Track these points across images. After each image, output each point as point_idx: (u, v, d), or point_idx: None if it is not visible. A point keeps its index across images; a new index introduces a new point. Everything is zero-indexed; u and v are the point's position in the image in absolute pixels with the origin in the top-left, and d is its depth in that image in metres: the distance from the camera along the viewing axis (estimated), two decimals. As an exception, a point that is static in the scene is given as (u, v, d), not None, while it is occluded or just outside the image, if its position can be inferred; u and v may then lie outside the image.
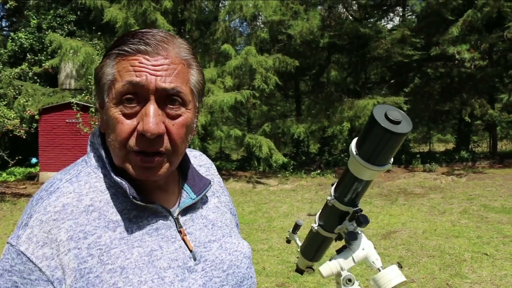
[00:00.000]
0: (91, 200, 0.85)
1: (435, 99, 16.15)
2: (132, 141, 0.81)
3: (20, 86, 13.61)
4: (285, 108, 22.74)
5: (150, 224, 0.88)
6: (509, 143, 22.47)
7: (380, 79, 19.52)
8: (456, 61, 14.91)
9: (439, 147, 22.03)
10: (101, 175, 0.89)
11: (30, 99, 13.21)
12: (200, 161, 1.11)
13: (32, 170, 15.89)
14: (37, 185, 13.49)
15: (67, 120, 13.57)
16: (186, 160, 1.00)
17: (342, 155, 16.53)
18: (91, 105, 11.80)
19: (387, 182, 11.55)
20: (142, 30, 0.85)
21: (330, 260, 1.13)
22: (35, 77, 16.67)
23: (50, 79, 17.07)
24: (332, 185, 1.15)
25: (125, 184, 0.84)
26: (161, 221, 0.89)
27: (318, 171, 14.32)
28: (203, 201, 1.01)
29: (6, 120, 10.41)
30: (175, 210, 0.93)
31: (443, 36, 14.42)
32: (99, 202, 0.86)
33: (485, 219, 7.26)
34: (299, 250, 1.37)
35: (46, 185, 0.89)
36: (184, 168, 1.00)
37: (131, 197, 0.84)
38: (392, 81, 18.19)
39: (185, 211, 0.94)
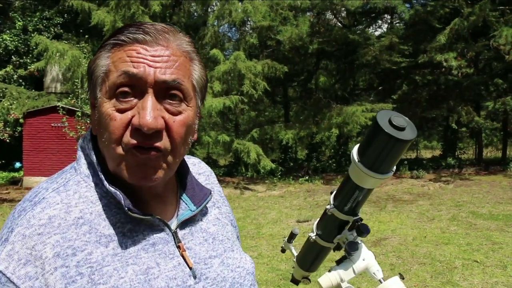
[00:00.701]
0: (81, 212, 0.76)
1: (422, 106, 16.30)
2: (127, 137, 0.73)
3: (4, 89, 13.41)
4: (273, 114, 22.76)
5: (146, 239, 0.79)
6: (494, 150, 22.76)
7: (368, 85, 19.67)
8: (443, 69, 15.07)
9: (426, 154, 22.23)
10: (92, 184, 0.80)
11: (14, 102, 12.99)
12: (199, 169, 1.03)
13: (16, 174, 15.64)
14: (20, 190, 13.24)
15: (52, 124, 13.37)
16: (184, 167, 0.92)
17: (330, 161, 16.57)
18: (77, 109, 11.63)
19: (375, 189, 11.52)
20: (141, 22, 0.78)
21: (329, 271, 1.09)
22: (20, 80, 16.44)
23: (35, 82, 16.85)
24: (331, 193, 1.11)
25: (119, 194, 0.75)
26: (158, 235, 0.81)
27: (306, 178, 14.31)
28: (203, 212, 0.93)
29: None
30: (173, 223, 0.85)
31: (430, 44, 14.58)
32: (90, 214, 0.77)
33: (473, 226, 7.27)
34: (295, 260, 1.32)
35: (30, 195, 0.79)
36: (182, 176, 0.91)
37: (126, 208, 0.75)
38: (380, 87, 18.34)
39: (184, 224, 0.86)
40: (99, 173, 0.78)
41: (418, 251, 5.91)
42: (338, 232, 1.10)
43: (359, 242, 1.08)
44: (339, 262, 1.10)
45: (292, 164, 16.71)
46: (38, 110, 13.73)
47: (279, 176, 14.52)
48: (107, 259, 0.74)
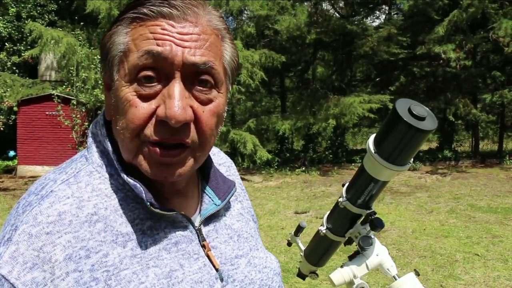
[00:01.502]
0: (95, 207, 0.67)
1: (420, 98, 16.28)
2: (149, 130, 0.64)
3: (-2, 76, 13.26)
4: (270, 104, 22.71)
5: (168, 237, 0.71)
6: (490, 143, 22.86)
7: (366, 77, 19.61)
8: (441, 61, 15.04)
9: (422, 146, 22.35)
10: (106, 175, 0.71)
11: (8, 90, 12.87)
12: (219, 159, 0.94)
13: (10, 163, 15.56)
14: (14, 178, 13.15)
15: (47, 113, 13.25)
16: (207, 157, 0.82)
17: (327, 153, 16.55)
18: (73, 98, 11.55)
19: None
20: None
21: (341, 266, 1.05)
22: (14, 68, 16.28)
23: (29, 70, 16.71)
24: (343, 185, 1.07)
25: (139, 187, 0.66)
26: (180, 232, 0.72)
27: (303, 168, 14.29)
28: (226, 207, 0.84)
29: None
30: (196, 219, 0.76)
31: (429, 35, 14.53)
32: (105, 209, 0.68)
33: (472, 218, 7.27)
34: (302, 254, 1.28)
35: (35, 188, 0.70)
36: (204, 167, 0.82)
37: (148, 203, 0.66)
38: (377, 79, 18.29)
39: (208, 220, 0.78)
40: (115, 163, 0.69)
41: (418, 243, 5.89)
42: (350, 226, 1.06)
43: (373, 236, 1.04)
44: (351, 257, 1.06)
45: (288, 155, 16.68)
46: (32, 98, 13.60)
47: (276, 167, 14.50)
48: (125, 262, 0.66)
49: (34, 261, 0.62)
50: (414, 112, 0.81)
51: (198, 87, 0.66)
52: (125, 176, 0.68)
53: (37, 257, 0.62)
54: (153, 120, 0.64)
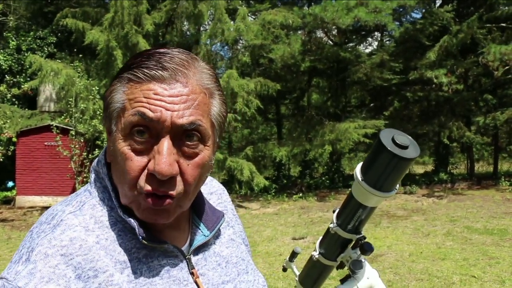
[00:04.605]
0: (97, 238, 0.76)
1: (414, 122, 16.45)
2: (142, 181, 0.72)
3: (-3, 108, 13.35)
4: (266, 131, 22.80)
5: (161, 265, 0.80)
6: (485, 165, 22.92)
7: (360, 102, 19.80)
8: (434, 85, 15.26)
9: (418, 169, 22.34)
10: (107, 208, 0.80)
11: (8, 121, 12.92)
12: (210, 188, 1.02)
13: (8, 194, 15.46)
14: (13, 209, 13.08)
15: (46, 143, 13.30)
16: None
17: (323, 178, 16.58)
18: (71, 128, 11.61)
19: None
20: (161, 50, 0.75)
21: None
22: (14, 99, 16.38)
23: (28, 101, 16.79)
24: (334, 211, 1.12)
25: (133, 222, 0.76)
26: (172, 261, 0.81)
27: (300, 195, 14.29)
28: (216, 235, 0.93)
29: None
30: (187, 249, 0.86)
31: (420, 61, 14.79)
32: (105, 240, 0.77)
33: (469, 240, 7.31)
34: (297, 279, 1.32)
35: (46, 218, 0.78)
36: (195, 202, 0.90)
37: (140, 237, 0.76)
38: (371, 104, 18.48)
39: (197, 250, 0.87)
40: (114, 200, 0.79)
41: (415, 267, 5.92)
42: (341, 251, 1.10)
43: (363, 260, 1.08)
44: (343, 281, 1.10)
45: (285, 181, 16.69)
46: (31, 129, 13.66)
47: (273, 194, 14.50)
48: (124, 286, 0.74)
49: (50, 276, 0.69)
50: (397, 142, 0.87)
51: (187, 142, 0.74)
52: (121, 213, 0.77)
53: (53, 273, 0.70)
54: (145, 172, 0.72)
